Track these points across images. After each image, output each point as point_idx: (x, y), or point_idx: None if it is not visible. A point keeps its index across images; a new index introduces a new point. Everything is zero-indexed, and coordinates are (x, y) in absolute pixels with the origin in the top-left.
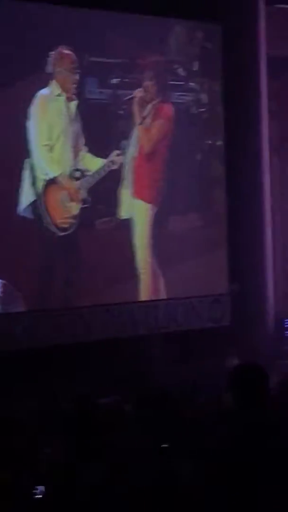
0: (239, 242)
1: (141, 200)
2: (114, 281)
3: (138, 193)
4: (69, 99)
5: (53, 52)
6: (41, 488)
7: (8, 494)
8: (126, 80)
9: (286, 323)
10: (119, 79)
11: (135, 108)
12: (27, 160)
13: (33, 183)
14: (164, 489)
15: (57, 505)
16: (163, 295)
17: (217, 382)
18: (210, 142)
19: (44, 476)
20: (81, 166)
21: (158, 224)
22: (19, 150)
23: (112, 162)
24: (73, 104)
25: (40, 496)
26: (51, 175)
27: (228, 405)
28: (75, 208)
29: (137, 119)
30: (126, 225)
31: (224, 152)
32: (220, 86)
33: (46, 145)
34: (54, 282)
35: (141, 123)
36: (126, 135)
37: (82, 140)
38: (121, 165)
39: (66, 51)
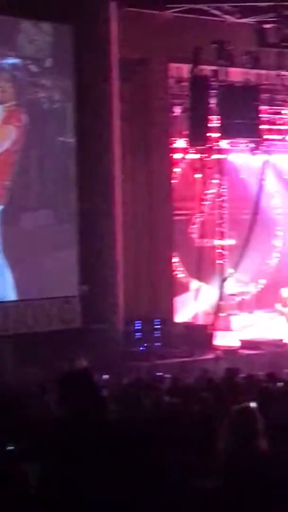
0: (90, 242)
1: None
2: None
3: None
4: None
5: None
6: None
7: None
8: None
9: (136, 325)
10: None
11: None
12: None
13: None
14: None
15: None
16: (12, 296)
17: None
18: (62, 139)
19: None
20: None
21: (9, 222)
22: None
23: None
24: None
25: None
26: None
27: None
28: None
29: None
30: None
31: (76, 149)
32: (73, 85)
33: None
34: None
35: None
36: None
37: None
38: None
39: None
